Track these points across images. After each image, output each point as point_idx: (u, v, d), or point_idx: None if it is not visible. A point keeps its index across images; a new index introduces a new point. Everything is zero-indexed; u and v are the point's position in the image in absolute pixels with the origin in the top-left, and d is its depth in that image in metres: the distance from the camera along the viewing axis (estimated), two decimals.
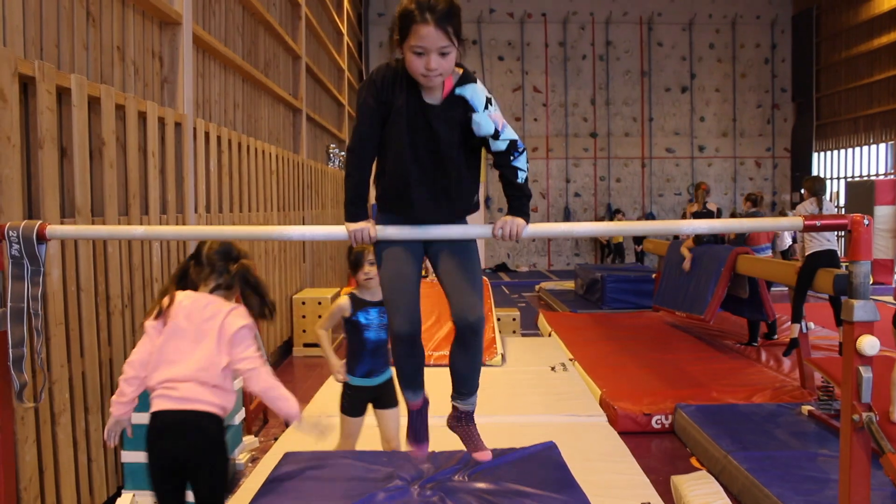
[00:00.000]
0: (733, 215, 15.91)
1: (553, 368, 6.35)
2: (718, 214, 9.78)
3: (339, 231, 2.28)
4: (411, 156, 2.24)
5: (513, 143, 2.23)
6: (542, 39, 18.13)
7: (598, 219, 18.04)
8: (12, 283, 2.22)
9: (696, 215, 8.72)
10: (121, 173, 3.98)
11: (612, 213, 17.49)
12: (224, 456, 2.54)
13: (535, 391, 5.69)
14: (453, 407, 2.53)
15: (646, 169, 17.96)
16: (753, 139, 18.44)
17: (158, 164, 4.46)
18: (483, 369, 5.98)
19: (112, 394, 3.66)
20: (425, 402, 2.64)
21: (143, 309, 4.14)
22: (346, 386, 3.49)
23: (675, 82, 18.20)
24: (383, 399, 3.51)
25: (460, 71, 2.20)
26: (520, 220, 2.23)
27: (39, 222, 2.21)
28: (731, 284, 7.24)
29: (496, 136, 2.21)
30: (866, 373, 2.18)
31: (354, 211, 2.25)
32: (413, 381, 2.53)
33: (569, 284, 12.64)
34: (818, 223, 2.25)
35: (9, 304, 2.21)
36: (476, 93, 2.18)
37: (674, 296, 8.13)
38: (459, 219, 2.41)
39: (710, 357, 6.85)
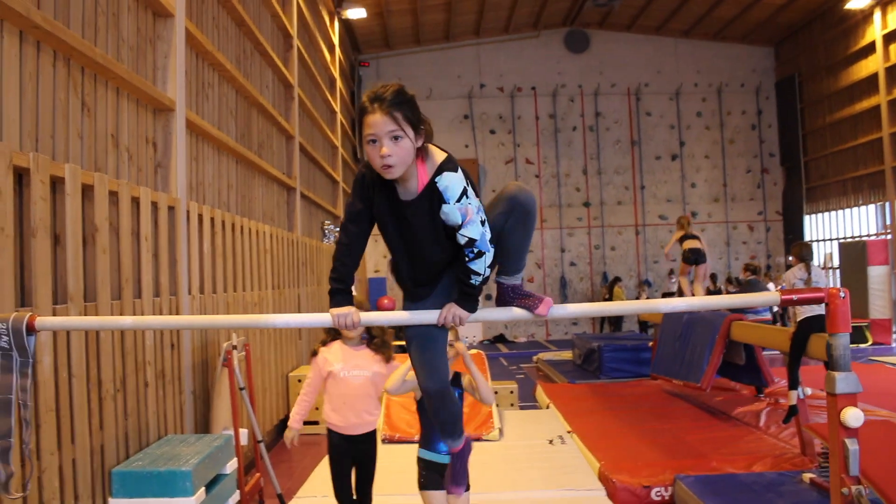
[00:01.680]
0: (729, 280, 15.97)
1: (551, 441, 6.30)
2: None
3: (323, 318, 2.32)
4: (399, 247, 2.43)
5: (470, 241, 2.25)
6: (533, 112, 18.50)
7: (593, 287, 18.09)
8: (1, 374, 2.24)
9: (685, 237, 8.80)
10: (114, 258, 4.03)
11: (611, 282, 17.53)
12: None
13: (533, 465, 5.63)
14: (498, 284, 2.55)
15: (640, 236, 18.10)
16: (745, 203, 18.65)
17: (152, 248, 4.51)
18: (480, 444, 5.96)
19: (103, 481, 3.64)
20: (466, 447, 2.86)
21: (136, 392, 4.14)
22: (420, 461, 3.49)
23: (664, 150, 18.51)
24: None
25: (440, 158, 2.25)
26: (462, 312, 2.35)
27: (29, 314, 2.25)
28: (727, 351, 7.24)
29: (458, 228, 2.24)
30: (852, 445, 2.18)
31: (339, 298, 2.34)
32: (452, 430, 2.80)
33: (567, 354, 12.60)
34: (794, 297, 2.27)
35: None
36: (451, 183, 2.21)
37: (670, 364, 8.11)
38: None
39: (709, 425, 6.79)
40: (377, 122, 2.13)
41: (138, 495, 3.66)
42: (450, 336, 3.38)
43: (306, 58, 10.63)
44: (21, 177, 3.22)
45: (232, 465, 4.38)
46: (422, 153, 2.25)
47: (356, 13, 14.82)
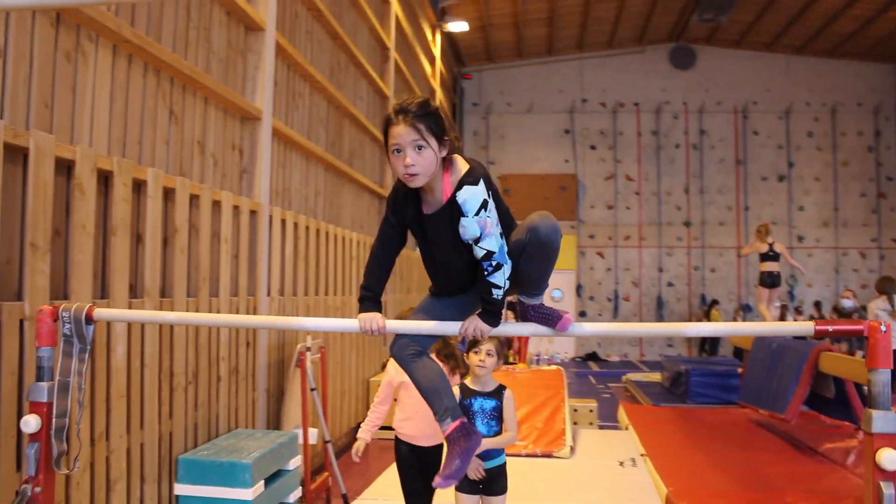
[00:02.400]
0: (835, 310, 15.25)
1: (622, 463, 6.20)
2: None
3: (351, 323, 2.40)
4: (426, 257, 2.51)
5: (488, 253, 2.25)
6: (635, 128, 18.22)
7: (691, 309, 17.61)
8: (62, 358, 2.43)
9: (765, 257, 8.50)
10: (193, 258, 4.27)
11: (708, 305, 17.05)
12: None
13: (599, 486, 5.57)
14: (519, 302, 2.50)
15: (742, 259, 17.50)
16: (857, 229, 17.76)
17: (231, 250, 4.74)
18: (549, 460, 5.94)
19: (170, 467, 3.86)
20: (465, 428, 2.44)
21: (208, 386, 4.35)
22: None
23: (771, 171, 17.86)
24: (491, 484, 3.46)
25: (463, 170, 2.28)
26: (484, 326, 2.36)
27: (88, 305, 2.43)
28: (816, 383, 6.93)
29: (476, 241, 2.25)
30: (888, 489, 2.08)
31: (367, 304, 2.43)
32: (443, 400, 2.46)
33: (657, 376, 12.33)
34: (830, 328, 2.19)
35: (57, 377, 2.42)
36: (470, 196, 2.22)
37: (757, 392, 7.83)
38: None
39: (791, 459, 6.52)
40: (401, 132, 2.20)
41: (201, 482, 3.85)
42: (487, 345, 3.40)
43: (404, 69, 10.86)
44: (107, 179, 3.47)
45: (295, 462, 4.53)
46: (447, 164, 2.30)
47: (458, 26, 15.02)
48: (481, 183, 2.25)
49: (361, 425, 3.94)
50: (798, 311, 16.71)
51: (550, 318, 2.44)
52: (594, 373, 14.81)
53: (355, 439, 3.89)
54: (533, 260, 2.33)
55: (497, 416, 3.41)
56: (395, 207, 2.42)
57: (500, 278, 2.30)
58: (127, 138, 3.71)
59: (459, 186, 2.24)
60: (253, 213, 5.09)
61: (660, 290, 17.85)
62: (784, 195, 17.79)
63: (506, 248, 2.29)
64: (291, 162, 6.18)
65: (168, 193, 3.98)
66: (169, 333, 3.90)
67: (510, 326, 2.48)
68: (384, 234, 2.46)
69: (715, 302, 16.86)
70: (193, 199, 4.24)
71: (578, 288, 17.90)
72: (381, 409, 3.92)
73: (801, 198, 17.80)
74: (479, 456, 3.40)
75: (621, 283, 17.95)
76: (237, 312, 4.76)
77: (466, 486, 3.40)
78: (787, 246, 17.51)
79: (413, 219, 2.39)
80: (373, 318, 2.37)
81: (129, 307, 3.55)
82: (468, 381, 3.47)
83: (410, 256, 11.56)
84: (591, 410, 8.41)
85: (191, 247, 4.24)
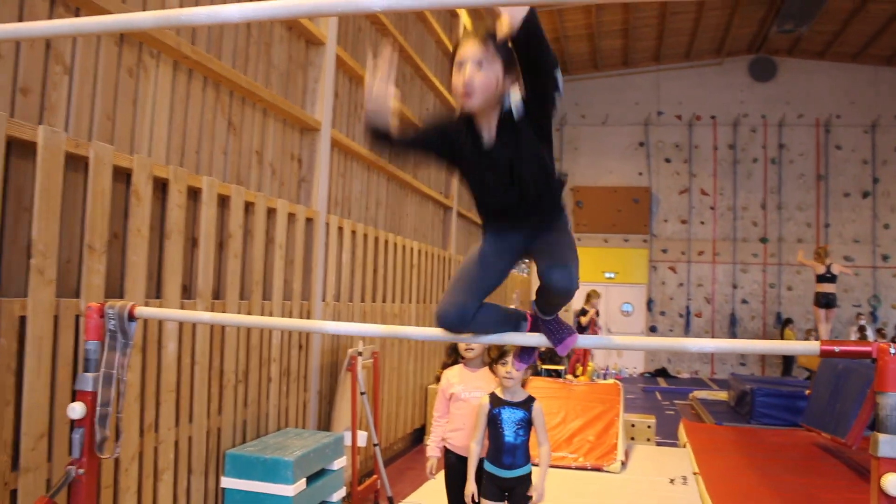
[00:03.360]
0: None
1: (672, 481, 6.15)
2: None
3: (374, 329, 2.50)
4: (483, 195, 2.29)
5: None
6: (711, 142, 17.90)
7: (765, 327, 17.15)
8: (107, 352, 2.63)
9: (821, 279, 8.39)
10: (249, 262, 4.48)
11: (782, 323, 16.59)
12: None
13: (645, 502, 5.54)
14: (536, 315, 2.38)
15: (834, 259, 16.95)
16: None
17: (286, 255, 4.94)
18: (598, 474, 5.96)
19: (217, 460, 4.05)
20: (534, 320, 2.40)
21: (258, 385, 4.55)
22: (484, 472, 3.56)
23: (854, 187, 17.26)
24: (516, 493, 3.52)
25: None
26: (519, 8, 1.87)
27: (131, 303, 2.62)
28: None
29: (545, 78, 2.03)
30: None
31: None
32: (507, 324, 2.38)
33: (723, 395, 12.08)
34: (836, 349, 2.18)
35: (102, 369, 2.62)
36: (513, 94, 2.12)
37: (821, 415, 7.62)
38: (553, 210, 2.31)
39: (852, 486, 6.33)
40: (468, 47, 2.10)
41: (247, 477, 4.03)
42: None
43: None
44: (164, 186, 3.69)
45: (340, 463, 4.68)
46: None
47: None
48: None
49: (428, 442, 4.02)
50: (881, 333, 16.09)
51: (555, 335, 2.31)
52: (662, 388, 14.60)
53: (416, 442, 3.99)
54: (543, 295, 2.23)
55: (525, 425, 3.48)
56: (448, 120, 2.25)
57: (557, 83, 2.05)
58: (185, 148, 3.94)
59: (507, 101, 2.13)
60: (309, 220, 5.29)
61: (733, 307, 17.45)
62: (868, 212, 17.17)
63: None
64: (352, 172, 6.37)
65: (224, 200, 4.20)
66: (220, 334, 4.10)
67: (512, 336, 2.49)
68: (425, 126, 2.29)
69: (789, 321, 16.39)
70: (249, 205, 4.45)
71: (649, 302, 17.67)
72: (442, 423, 3.99)
73: (886, 215, 17.15)
74: (505, 465, 3.48)
75: (693, 299, 17.63)
76: (290, 316, 4.95)
77: (491, 493, 3.49)
78: (871, 265, 16.90)
79: (469, 151, 2.20)
80: (378, 89, 2.21)
81: (182, 308, 3.76)
82: (497, 391, 3.56)
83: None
84: (648, 426, 8.33)
85: (245, 252, 4.45)
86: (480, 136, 2.18)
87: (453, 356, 4.11)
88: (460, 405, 3.90)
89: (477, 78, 2.06)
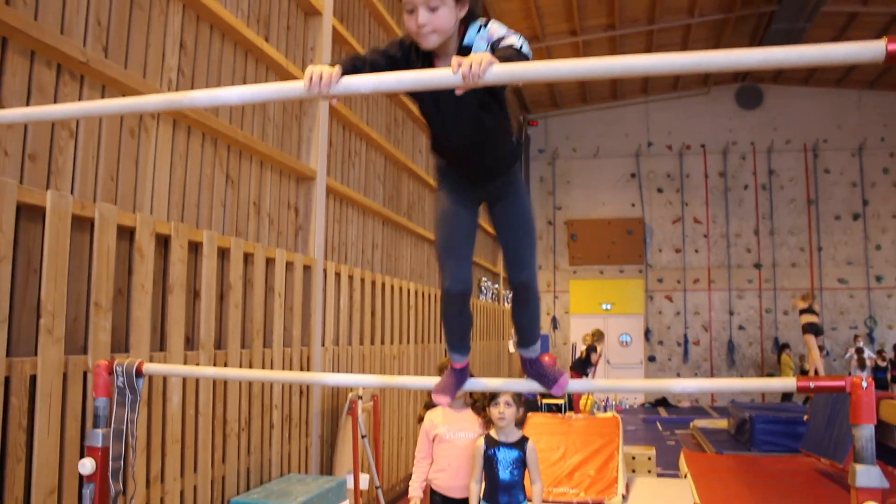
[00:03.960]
0: None
1: None
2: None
3: (372, 379, 2.61)
4: (439, 130, 2.31)
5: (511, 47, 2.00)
6: (702, 170, 18.11)
7: (763, 353, 17.21)
8: (116, 408, 2.73)
9: (807, 311, 8.84)
10: (249, 311, 4.58)
11: (779, 348, 16.65)
12: None
13: None
14: (520, 356, 2.57)
15: (816, 301, 17.06)
16: None
17: (286, 303, 5.05)
18: None
19: None
20: (466, 367, 2.57)
21: (261, 432, 4.63)
22: None
23: (845, 210, 17.44)
24: None
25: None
26: (485, 55, 1.75)
27: (139, 360, 2.73)
28: (880, 432, 6.78)
29: (494, 44, 2.06)
30: None
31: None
32: (462, 342, 2.52)
33: (723, 423, 12.11)
34: (812, 384, 2.28)
35: (112, 425, 2.71)
36: (474, 31, 2.13)
37: (819, 440, 7.68)
38: (512, 161, 2.41)
39: None
40: None
41: None
42: (505, 396, 3.56)
43: None
44: (167, 241, 3.81)
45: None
46: (464, 26, 2.15)
47: None
48: (478, 19, 2.15)
49: (411, 483, 4.08)
50: (880, 355, 16.15)
51: (546, 379, 2.47)
52: (662, 419, 14.61)
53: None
54: (516, 305, 2.44)
55: (520, 465, 3.57)
56: (399, 46, 2.20)
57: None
58: (186, 202, 4.07)
59: (465, 36, 2.14)
60: (307, 267, 5.40)
61: (731, 334, 17.52)
62: (859, 234, 17.33)
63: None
64: (348, 217, 6.51)
65: (224, 252, 4.32)
66: (223, 383, 4.20)
67: (507, 383, 2.60)
68: (371, 55, 2.16)
69: (785, 346, 16.46)
70: (248, 256, 4.57)
71: (647, 332, 17.73)
72: (424, 464, 4.05)
73: (877, 236, 17.31)
74: (504, 501, 3.56)
75: (691, 327, 17.70)
76: (290, 363, 5.05)
77: None
78: (865, 286, 17.05)
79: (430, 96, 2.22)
80: (323, 68, 1.90)
81: (185, 359, 3.86)
82: (492, 433, 3.64)
83: (475, 304, 11.75)
84: (649, 458, 8.36)
85: (245, 301, 4.56)
86: (434, 63, 2.18)
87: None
88: (445, 446, 3.97)
89: (432, 21, 2.04)
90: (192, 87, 4.15)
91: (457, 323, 2.49)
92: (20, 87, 2.96)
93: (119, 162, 3.54)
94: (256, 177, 4.87)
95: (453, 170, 2.40)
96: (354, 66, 2.02)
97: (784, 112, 17.91)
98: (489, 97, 2.22)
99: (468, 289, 2.37)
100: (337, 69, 1.89)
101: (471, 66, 1.72)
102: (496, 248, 14.38)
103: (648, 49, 15.62)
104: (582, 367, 11.71)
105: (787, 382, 2.29)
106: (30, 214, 2.97)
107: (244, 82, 4.73)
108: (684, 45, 15.61)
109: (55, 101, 3.15)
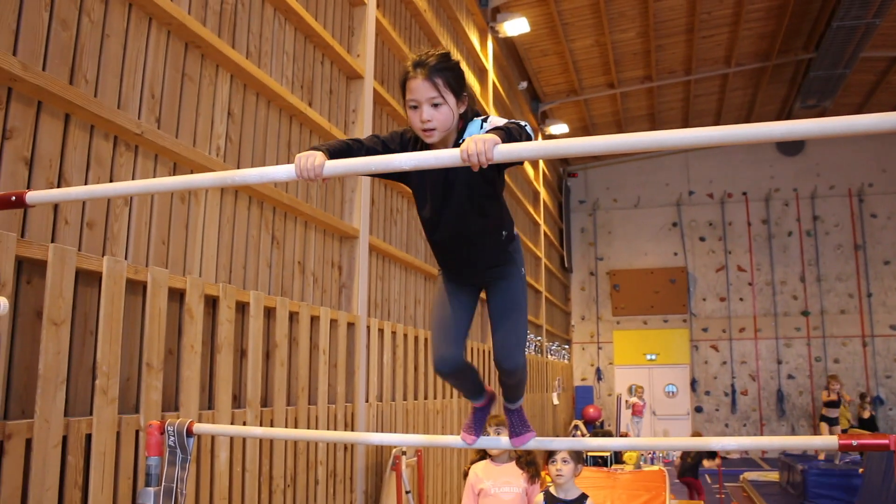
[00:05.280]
0: None
1: None
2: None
3: (444, 440, 2.67)
4: (434, 224, 2.38)
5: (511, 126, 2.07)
6: (744, 218, 17.97)
7: (814, 402, 16.77)
8: (167, 467, 2.81)
9: (829, 405, 9.17)
10: (294, 368, 4.68)
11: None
12: None
13: None
14: (503, 405, 2.66)
15: (868, 348, 16.66)
16: None
17: (330, 360, 5.13)
18: None
19: None
20: (490, 400, 2.68)
21: (306, 488, 4.68)
22: None
23: (894, 254, 17.10)
24: None
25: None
26: (488, 136, 1.81)
27: (189, 420, 2.82)
28: None
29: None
30: None
31: (315, 148, 2.08)
32: (474, 392, 2.63)
33: (775, 476, 11.81)
34: (854, 443, 2.25)
35: (163, 483, 2.80)
36: (476, 126, 2.24)
37: (876, 495, 7.46)
38: (502, 257, 2.47)
39: None
40: (418, 87, 2.16)
41: None
42: (562, 453, 3.57)
43: (506, 177, 11.31)
44: (215, 302, 3.94)
45: None
46: (462, 121, 2.27)
47: (559, 129, 15.49)
48: (477, 116, 2.28)
49: None
50: None
51: (515, 427, 2.60)
52: (711, 471, 14.26)
53: None
54: (502, 377, 2.49)
55: None
56: (401, 141, 2.31)
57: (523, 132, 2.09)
58: (233, 264, 4.21)
59: (463, 132, 2.26)
60: (350, 324, 5.49)
61: (779, 384, 17.15)
62: None
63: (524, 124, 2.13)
64: (390, 274, 6.61)
65: (270, 311, 4.44)
66: (269, 440, 4.27)
67: (493, 440, 2.71)
68: (370, 141, 2.25)
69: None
70: (293, 314, 4.68)
71: (693, 382, 17.44)
72: None
73: None
74: None
75: (738, 377, 17.37)
76: (335, 420, 5.11)
77: None
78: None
79: (424, 174, 2.29)
80: (310, 156, 1.97)
81: (232, 416, 3.95)
82: (552, 489, 3.65)
83: (539, 362, 11.70)
84: None
85: (290, 358, 4.66)
86: None
87: (480, 452, 4.23)
88: (489, 500, 4.02)
89: (435, 118, 2.16)
90: (238, 153, 4.33)
91: (459, 384, 2.66)
92: (80, 159, 3.13)
93: (170, 226, 3.69)
94: (301, 237, 5.01)
95: (449, 264, 2.51)
96: (350, 148, 2.16)
97: (826, 157, 17.76)
98: (485, 195, 2.31)
99: (455, 368, 2.46)
100: (321, 158, 1.97)
101: (475, 145, 1.77)
102: (537, 301, 14.37)
103: (686, 98, 15.69)
104: (693, 471, 11.22)
105: (829, 441, 2.28)
106: (87, 279, 3.12)
107: (289, 146, 4.91)
108: (722, 94, 15.65)
109: (111, 171, 3.32)
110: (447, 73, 2.17)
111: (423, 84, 2.15)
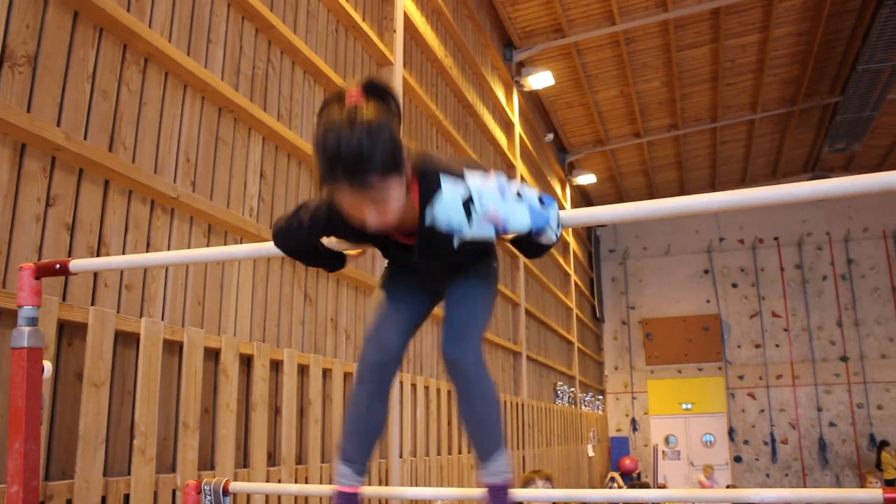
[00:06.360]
0: None
1: None
2: None
3: (450, 492, 2.66)
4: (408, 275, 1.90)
5: (524, 234, 1.66)
6: (777, 263, 17.79)
7: (859, 451, 16.33)
8: None
9: (890, 483, 8.58)
10: (328, 425, 4.68)
11: (878, 446, 15.78)
12: None
13: None
14: (483, 485, 1.78)
15: None
16: None
17: None
18: None
19: None
20: (356, 496, 1.81)
21: None
22: None
23: None
24: None
25: (424, 175, 1.62)
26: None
27: (225, 480, 2.83)
28: None
29: (499, 235, 1.65)
30: None
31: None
32: (358, 450, 1.83)
33: None
34: None
35: None
36: (450, 206, 1.60)
37: None
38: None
39: None
40: (348, 198, 1.52)
41: None
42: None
43: None
44: (248, 360, 3.98)
45: None
46: (416, 179, 1.62)
47: (586, 179, 15.56)
48: (444, 178, 1.61)
49: None
50: None
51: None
52: None
53: None
54: (458, 398, 1.78)
55: None
56: (327, 218, 1.71)
57: (551, 234, 1.67)
58: (267, 322, 4.26)
59: (426, 200, 1.61)
60: None
61: (821, 432, 16.74)
62: None
63: (534, 204, 1.64)
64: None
65: (303, 369, 4.47)
66: (304, 497, 4.26)
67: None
68: (301, 220, 1.76)
69: (885, 443, 15.58)
70: (327, 371, 4.71)
71: (731, 431, 17.10)
72: None
73: None
74: None
75: (777, 425, 17.00)
76: (370, 476, 5.08)
77: None
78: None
79: (383, 246, 1.79)
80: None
81: (268, 475, 3.96)
82: None
83: (550, 409, 11.61)
84: None
85: (325, 415, 4.67)
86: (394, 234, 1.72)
87: None
88: None
89: (385, 212, 1.54)
90: (272, 212, 4.42)
91: (358, 415, 1.80)
92: (119, 223, 3.22)
93: (205, 287, 3.76)
94: (333, 294, 5.06)
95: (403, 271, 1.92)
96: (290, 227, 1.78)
97: (858, 199, 17.56)
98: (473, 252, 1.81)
99: (392, 359, 1.79)
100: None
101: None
102: (570, 352, 14.27)
103: (713, 145, 15.71)
104: None
105: (873, 494, 2.23)
106: (125, 340, 3.18)
107: None
108: (749, 140, 15.65)
109: (148, 234, 3.41)
110: (379, 162, 1.46)
111: (354, 194, 1.50)
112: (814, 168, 17.81)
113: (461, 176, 1.62)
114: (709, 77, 12.74)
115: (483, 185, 1.62)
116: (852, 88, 12.42)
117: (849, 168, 17.63)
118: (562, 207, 1.82)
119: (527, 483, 4.33)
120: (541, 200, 1.65)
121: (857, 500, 2.26)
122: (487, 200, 1.60)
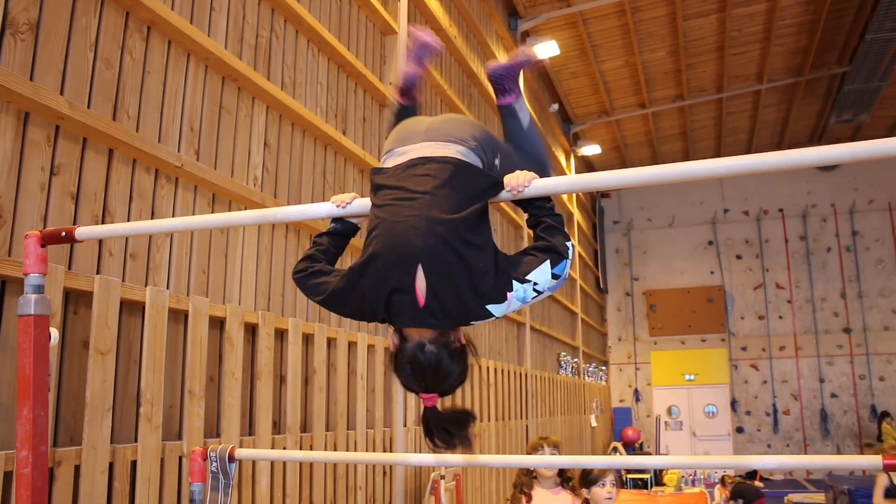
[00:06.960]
0: None
1: None
2: None
3: (483, 459, 2.67)
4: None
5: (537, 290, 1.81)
6: (782, 235, 17.76)
7: (860, 422, 16.42)
8: (210, 492, 2.86)
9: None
10: (332, 394, 4.72)
11: (879, 417, 15.86)
12: None
13: None
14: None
15: None
16: None
17: (368, 385, 5.17)
18: None
19: None
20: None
21: None
22: None
23: None
24: None
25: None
26: (528, 172, 1.85)
27: (231, 446, 2.86)
28: None
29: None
30: None
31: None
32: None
33: (820, 497, 11.56)
34: None
35: None
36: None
37: None
38: None
39: None
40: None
41: None
42: (610, 476, 3.57)
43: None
44: (254, 329, 4.00)
45: None
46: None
47: (591, 150, 15.49)
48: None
49: None
50: None
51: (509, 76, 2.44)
52: None
53: None
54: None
55: None
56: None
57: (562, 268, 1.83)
58: (271, 291, 4.27)
59: None
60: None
61: (822, 403, 16.83)
62: None
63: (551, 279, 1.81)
64: None
65: (308, 338, 4.49)
66: (309, 465, 4.31)
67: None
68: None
69: (886, 414, 15.67)
70: (331, 340, 4.73)
71: (733, 402, 17.18)
72: None
73: None
74: None
75: (779, 396, 17.09)
76: (373, 444, 5.13)
77: None
78: None
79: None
80: (343, 195, 2.00)
81: (273, 442, 4.00)
82: None
83: (554, 379, 11.68)
84: None
85: (329, 384, 4.70)
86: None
87: (529, 475, 4.20)
88: None
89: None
90: (276, 182, 4.41)
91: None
92: (123, 192, 3.22)
93: (210, 256, 3.77)
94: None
95: None
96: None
97: (864, 171, 17.52)
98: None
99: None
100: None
101: (515, 179, 1.85)
102: (573, 323, 14.31)
103: (719, 116, 15.61)
104: None
105: (872, 460, 2.25)
106: (131, 309, 3.19)
107: (324, 174, 4.99)
108: (755, 111, 15.54)
109: (153, 203, 3.41)
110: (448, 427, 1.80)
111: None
112: (820, 139, 17.70)
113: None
114: (715, 47, 12.62)
115: (524, 294, 1.79)
116: (860, 58, 12.30)
117: (855, 139, 17.51)
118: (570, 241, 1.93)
119: (535, 449, 4.36)
120: (554, 276, 1.82)
121: (858, 466, 2.28)
122: (517, 304, 1.80)
